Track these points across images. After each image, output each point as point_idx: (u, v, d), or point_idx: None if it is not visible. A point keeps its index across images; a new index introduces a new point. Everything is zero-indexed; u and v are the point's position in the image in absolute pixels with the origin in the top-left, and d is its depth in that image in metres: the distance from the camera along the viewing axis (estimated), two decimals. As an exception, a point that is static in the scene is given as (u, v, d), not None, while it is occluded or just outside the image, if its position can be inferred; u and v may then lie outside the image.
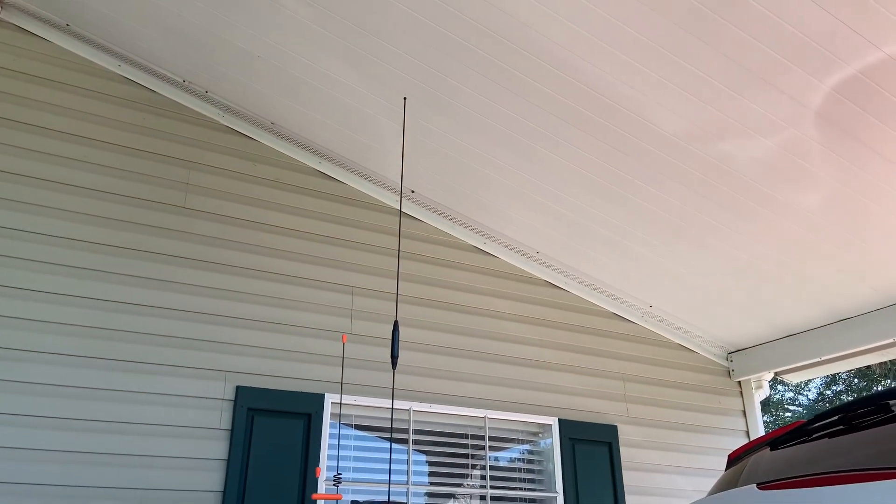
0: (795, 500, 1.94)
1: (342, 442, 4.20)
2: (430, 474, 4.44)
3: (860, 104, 3.32)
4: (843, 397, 17.32)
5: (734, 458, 2.79)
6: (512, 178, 4.43)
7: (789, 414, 17.63)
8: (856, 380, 17.01)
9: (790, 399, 18.39)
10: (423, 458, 4.47)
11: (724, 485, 2.55)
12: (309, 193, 4.66)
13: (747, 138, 3.64)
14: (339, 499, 1.45)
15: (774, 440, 2.44)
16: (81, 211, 3.95)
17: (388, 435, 4.35)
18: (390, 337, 4.45)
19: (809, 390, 18.58)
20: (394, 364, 1.52)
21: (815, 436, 2.23)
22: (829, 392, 17.98)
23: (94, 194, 4.02)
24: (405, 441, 4.38)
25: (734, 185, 3.98)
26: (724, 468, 5.04)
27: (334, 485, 1.47)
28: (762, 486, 2.14)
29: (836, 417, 2.19)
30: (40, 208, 3.86)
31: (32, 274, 3.72)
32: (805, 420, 2.38)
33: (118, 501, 3.49)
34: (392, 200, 4.89)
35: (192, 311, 4.02)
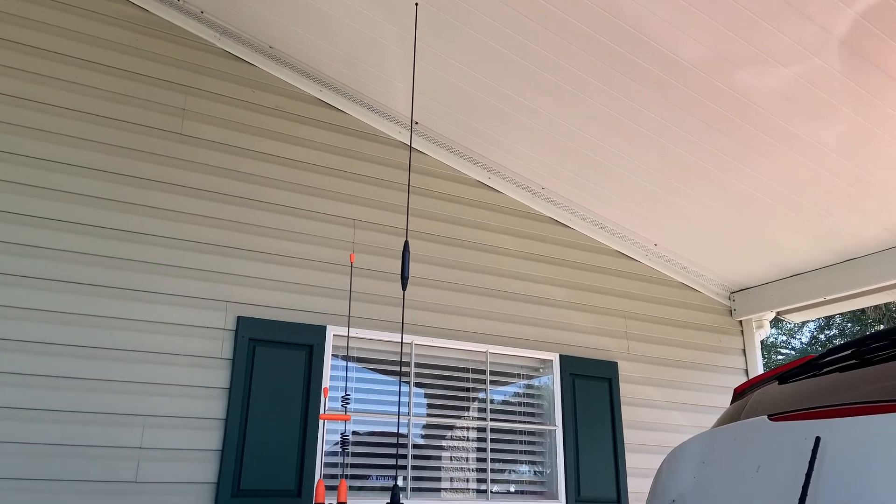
0: (807, 431, 1.91)
1: (343, 374, 4.21)
2: (431, 407, 4.47)
3: (887, 31, 3.17)
4: (837, 342, 17.57)
5: (740, 393, 2.78)
6: (520, 109, 4.30)
7: (781, 356, 17.89)
8: (849, 324, 17.20)
9: (783, 342, 18.64)
10: (425, 391, 4.49)
11: (728, 418, 2.54)
12: (310, 123, 4.53)
13: (768, 68, 3.50)
14: (348, 419, 1.40)
15: (783, 374, 2.41)
16: (73, 134, 3.83)
17: (388, 369, 4.35)
18: (395, 267, 4.42)
19: (803, 334, 18.82)
20: (404, 285, 1.45)
21: (825, 370, 2.20)
22: (822, 336, 18.22)
23: (87, 118, 3.89)
24: (407, 374, 4.38)
25: (750, 118, 3.86)
26: (722, 405, 5.09)
27: (342, 406, 1.43)
28: (773, 417, 2.12)
29: (848, 352, 2.15)
30: (30, 131, 3.74)
31: (27, 199, 3.63)
32: (815, 355, 2.35)
33: (122, 427, 3.50)
34: (395, 132, 4.76)
35: (192, 241, 3.95)
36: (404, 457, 4.25)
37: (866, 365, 2.09)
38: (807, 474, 1.77)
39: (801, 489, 1.73)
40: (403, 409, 4.33)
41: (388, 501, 1.29)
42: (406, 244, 1.49)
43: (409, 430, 4.30)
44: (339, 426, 4.06)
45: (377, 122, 4.72)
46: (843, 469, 1.77)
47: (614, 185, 4.80)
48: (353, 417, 4.13)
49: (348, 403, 1.40)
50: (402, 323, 1.45)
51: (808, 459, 1.78)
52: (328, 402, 3.94)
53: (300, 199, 4.34)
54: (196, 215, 4.01)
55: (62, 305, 3.56)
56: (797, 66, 3.46)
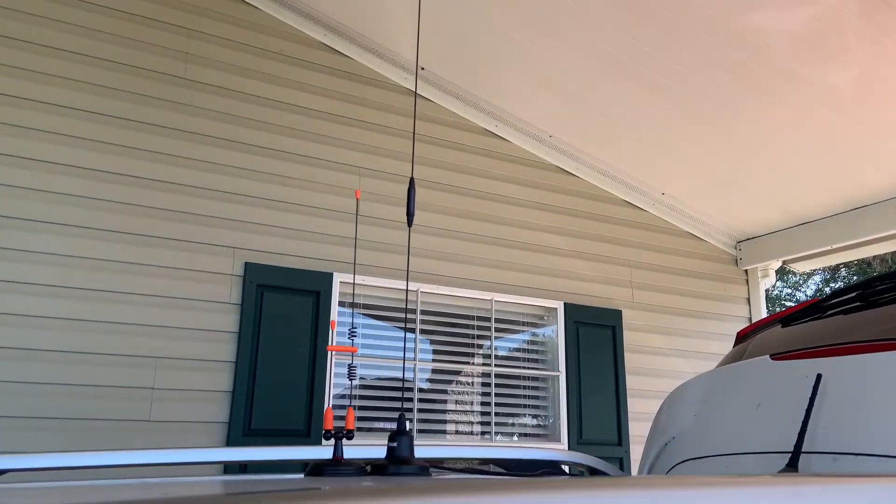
0: (809, 369, 1.93)
1: (348, 319, 4.26)
2: (437, 353, 4.53)
3: (907, -29, 3.08)
4: (842, 295, 17.54)
5: (742, 336, 2.80)
6: (528, 53, 4.22)
7: (783, 309, 17.91)
8: (855, 277, 17.20)
9: (788, 295, 18.70)
10: (430, 338, 4.55)
11: (729, 360, 2.57)
12: (314, 68, 4.47)
13: (782, 10, 3.42)
14: (355, 351, 1.43)
15: (787, 317, 2.43)
16: (77, 78, 3.80)
17: (393, 315, 4.40)
18: (401, 215, 4.42)
19: (808, 287, 18.85)
20: (409, 222, 1.46)
21: (829, 313, 2.22)
22: (827, 290, 18.24)
23: (89, 60, 3.85)
24: (413, 321, 4.43)
25: (762, 61, 3.79)
26: (725, 352, 5.13)
27: (349, 338, 1.45)
28: (775, 356, 2.15)
29: (853, 294, 2.16)
30: (33, 74, 3.70)
31: (31, 142, 3.63)
32: (819, 298, 2.36)
33: (136, 368, 3.58)
34: (400, 78, 4.70)
35: (198, 187, 3.96)
36: (410, 400, 4.33)
37: (871, 307, 2.10)
38: (807, 410, 1.79)
39: (800, 424, 1.75)
40: (409, 355, 4.40)
41: (396, 428, 1.32)
42: (412, 181, 1.48)
43: (414, 375, 4.37)
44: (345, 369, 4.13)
45: (383, 67, 4.66)
46: (843, 405, 1.80)
47: (623, 133, 4.75)
48: (359, 365, 4.20)
49: (355, 336, 1.43)
50: (408, 258, 1.46)
51: (809, 396, 1.81)
52: (336, 336, 4.00)
53: (306, 146, 4.32)
54: (202, 161, 4.00)
55: (74, 250, 3.59)
56: (810, 6, 3.38)
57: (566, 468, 2.17)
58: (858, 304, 2.13)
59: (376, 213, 4.41)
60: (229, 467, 3.19)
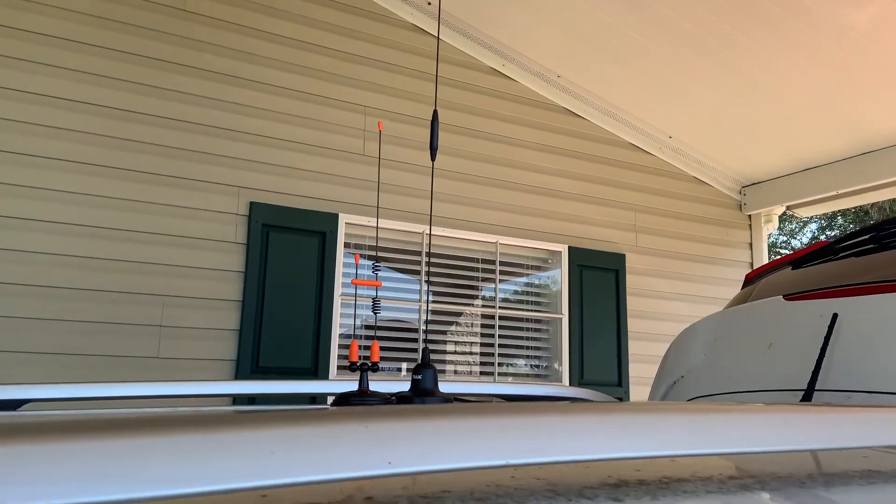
0: (824, 308, 1.94)
1: (352, 260, 4.26)
2: (443, 295, 4.55)
3: None
4: (838, 242, 17.63)
5: (751, 279, 2.81)
6: (538, -11, 4.10)
7: (779, 256, 18.03)
8: (851, 225, 17.25)
9: (783, 243, 18.78)
10: (436, 279, 4.56)
11: (738, 301, 2.59)
12: (319, 2, 4.34)
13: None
14: (379, 285, 1.42)
15: (797, 260, 2.44)
16: (78, 10, 3.67)
17: (400, 257, 4.40)
18: (407, 156, 4.37)
19: (804, 234, 18.93)
20: (433, 155, 1.43)
21: (841, 255, 2.22)
22: (823, 237, 18.32)
23: (88, -8, 3.72)
24: (418, 263, 4.44)
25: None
26: (726, 296, 5.17)
27: (373, 272, 1.44)
28: (788, 297, 2.16)
29: (866, 236, 2.16)
30: (33, 4, 3.58)
31: (34, 76, 3.54)
32: (830, 240, 2.35)
33: (142, 306, 3.59)
34: (406, 13, 4.57)
35: (202, 124, 3.89)
36: (415, 341, 4.37)
37: (884, 249, 2.10)
38: (821, 349, 1.81)
39: (815, 363, 1.77)
40: (416, 297, 4.42)
41: (419, 362, 1.33)
42: (435, 113, 1.45)
43: (419, 316, 4.41)
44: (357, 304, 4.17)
45: (387, 1, 4.52)
46: (856, 344, 1.81)
47: (631, 74, 4.66)
48: (365, 304, 4.22)
49: (379, 270, 1.42)
50: (431, 198, 1.44)
51: (824, 336, 1.82)
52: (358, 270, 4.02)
53: (311, 84, 4.23)
54: (207, 98, 3.92)
55: (79, 187, 3.55)
56: (836, -59, 3.27)
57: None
58: (871, 246, 2.13)
59: (382, 153, 4.36)
60: (237, 401, 3.25)
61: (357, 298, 4.21)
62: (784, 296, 2.19)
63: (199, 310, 3.72)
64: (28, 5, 3.58)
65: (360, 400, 1.31)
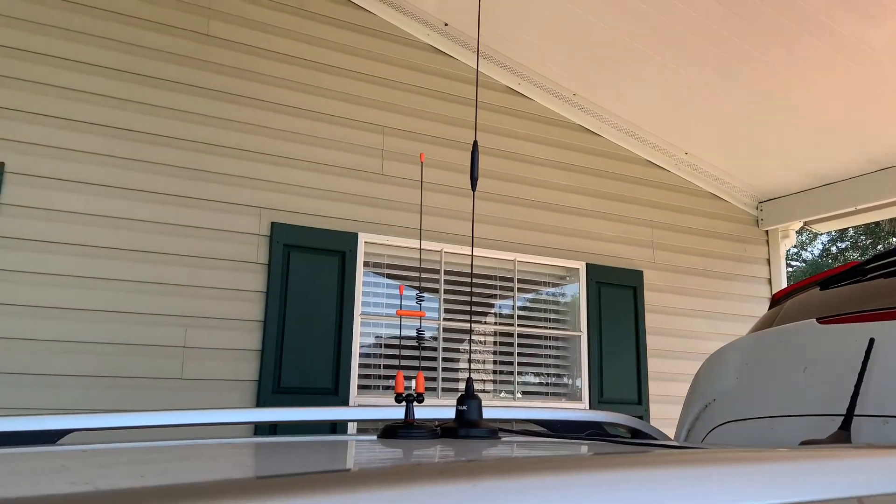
0: (860, 333, 1.94)
1: (372, 280, 4.27)
2: (459, 312, 4.55)
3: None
4: (850, 254, 17.56)
5: (778, 299, 2.80)
6: (550, 8, 4.13)
7: (790, 269, 17.99)
8: (862, 237, 17.16)
9: (794, 254, 18.70)
10: (453, 297, 4.56)
11: (764, 323, 2.58)
12: (336, 24, 4.38)
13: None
14: (423, 315, 1.43)
15: (826, 280, 2.43)
16: (101, 34, 3.73)
17: (414, 275, 4.41)
18: (425, 175, 4.38)
19: (814, 246, 18.84)
20: (473, 185, 1.44)
21: (870, 276, 2.21)
22: (833, 248, 18.23)
23: (113, 17, 3.77)
24: (436, 281, 4.45)
25: (793, 16, 3.70)
26: (744, 313, 5.15)
27: (417, 303, 1.45)
28: (822, 320, 2.15)
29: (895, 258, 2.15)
30: (56, 30, 3.64)
31: (55, 100, 3.58)
32: (859, 261, 2.35)
33: (164, 327, 3.61)
34: (423, 34, 4.61)
35: (224, 146, 3.92)
36: (434, 359, 4.37)
37: (915, 271, 2.09)
38: (859, 373, 1.80)
39: (853, 388, 1.76)
40: (434, 315, 4.42)
41: (464, 392, 1.33)
42: (475, 143, 1.46)
43: (439, 334, 4.41)
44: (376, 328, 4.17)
45: (404, 22, 4.56)
46: (893, 369, 1.80)
47: (647, 91, 4.68)
48: (384, 323, 4.23)
49: (422, 300, 1.43)
50: (472, 223, 1.45)
51: (862, 360, 1.81)
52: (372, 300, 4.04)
53: (330, 105, 4.27)
54: (227, 120, 3.96)
55: (103, 209, 3.58)
56: (856, -39, 3.28)
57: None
58: (901, 267, 2.12)
59: (398, 173, 4.38)
60: (258, 429, 3.25)
61: (377, 320, 4.22)
62: (818, 319, 2.19)
63: (221, 330, 3.73)
64: (55, 31, 3.63)
65: (405, 432, 1.31)
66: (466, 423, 1.37)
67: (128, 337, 3.52)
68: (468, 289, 4.58)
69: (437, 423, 1.40)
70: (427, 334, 4.41)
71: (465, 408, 1.39)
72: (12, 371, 3.27)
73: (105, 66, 3.71)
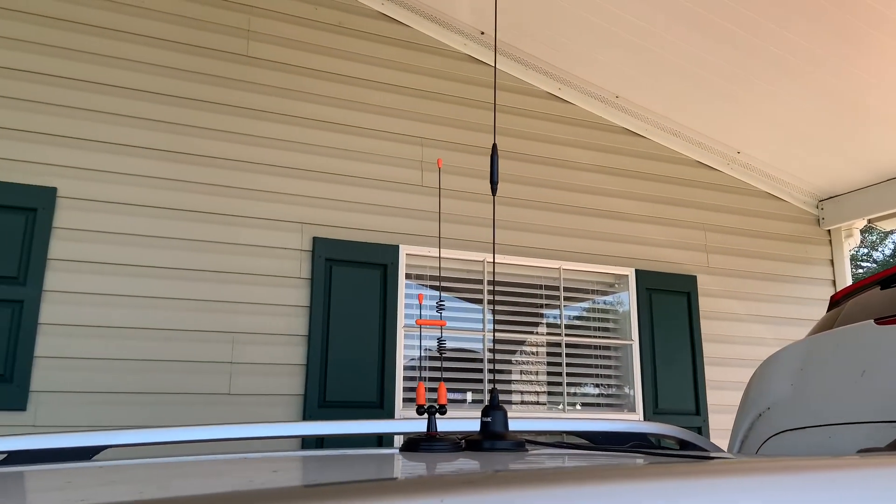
0: (923, 334, 1.80)
1: (415, 292, 4.25)
2: (505, 323, 4.48)
3: None
4: (924, 253, 16.64)
5: (837, 300, 2.65)
6: (589, 9, 4.05)
7: (862, 270, 17.17)
8: (939, 235, 16.22)
9: (864, 255, 17.85)
10: (499, 308, 4.50)
11: (823, 325, 2.44)
12: (373, 39, 4.42)
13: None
14: (443, 325, 1.38)
15: (886, 279, 2.28)
16: (144, 60, 3.85)
17: (459, 286, 4.37)
18: (464, 185, 4.36)
19: (885, 246, 17.94)
20: (493, 190, 1.40)
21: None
22: (907, 247, 17.30)
23: (153, 42, 3.89)
24: (480, 291, 4.40)
25: (846, 6, 3.52)
26: (807, 317, 4.91)
27: (437, 311, 1.41)
28: (880, 321, 2.01)
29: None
30: (100, 58, 3.78)
31: (101, 125, 3.71)
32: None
33: (214, 343, 3.67)
34: (460, 44, 4.60)
35: (264, 164, 3.99)
36: (479, 371, 4.31)
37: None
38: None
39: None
40: (478, 326, 4.37)
41: (488, 403, 1.28)
42: (494, 147, 1.42)
43: (483, 346, 4.35)
44: (415, 340, 4.14)
45: (441, 34, 4.56)
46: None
47: (694, 89, 4.54)
48: (428, 335, 4.20)
49: (443, 309, 1.39)
50: (493, 229, 1.40)
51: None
52: (420, 309, 4.02)
53: (368, 119, 4.29)
54: (266, 138, 4.02)
55: (150, 229, 3.68)
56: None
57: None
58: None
59: (441, 184, 4.36)
60: (305, 442, 3.26)
61: (420, 333, 4.19)
62: (875, 320, 2.05)
63: (267, 346, 3.77)
64: (100, 59, 3.77)
65: (428, 445, 1.27)
66: (492, 436, 1.32)
67: (177, 354, 3.60)
68: (514, 299, 4.51)
69: (462, 436, 1.36)
70: (474, 346, 4.35)
71: (489, 419, 1.34)
72: (59, 389, 3.38)
73: (150, 91, 3.83)
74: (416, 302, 4.19)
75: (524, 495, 0.54)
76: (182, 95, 3.89)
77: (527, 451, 1.31)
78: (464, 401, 4.29)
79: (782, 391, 2.25)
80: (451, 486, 0.51)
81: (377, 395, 3.91)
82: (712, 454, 1.56)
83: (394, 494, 0.52)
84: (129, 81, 3.80)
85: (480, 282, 4.40)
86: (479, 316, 4.40)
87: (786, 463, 0.80)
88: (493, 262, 1.48)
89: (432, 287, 4.33)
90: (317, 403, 3.77)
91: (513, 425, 1.89)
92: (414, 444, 1.28)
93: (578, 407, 4.53)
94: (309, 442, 3.50)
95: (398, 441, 3.65)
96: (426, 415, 1.33)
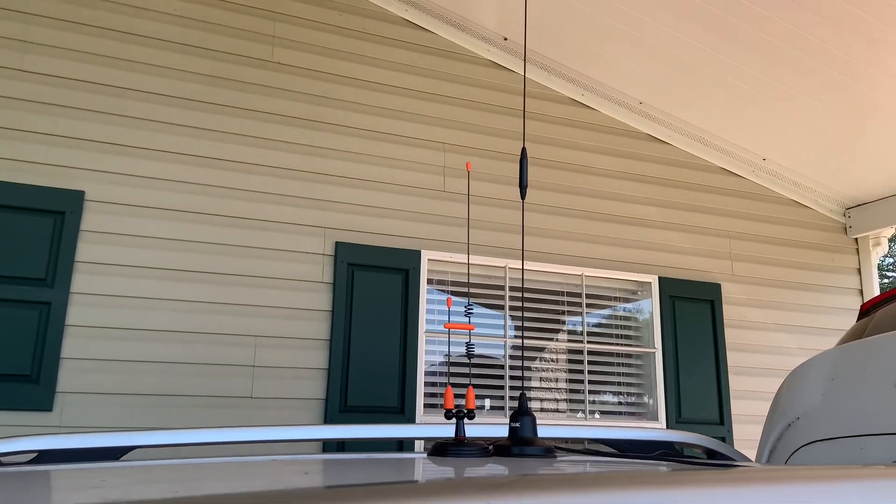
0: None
1: (437, 297, 4.25)
2: (528, 329, 4.46)
3: None
4: (952, 263, 16.31)
5: (866, 310, 2.60)
6: (612, 15, 4.04)
7: (887, 280, 16.87)
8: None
9: (889, 265, 17.55)
10: (520, 314, 4.48)
11: (852, 335, 2.39)
12: (396, 45, 4.43)
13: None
14: (472, 328, 1.38)
15: (920, 288, 2.23)
16: (170, 66, 3.90)
17: (481, 292, 4.36)
18: (486, 190, 4.35)
19: (911, 256, 17.62)
20: (523, 193, 1.39)
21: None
22: (934, 257, 16.97)
23: (178, 48, 3.94)
24: (501, 297, 4.38)
25: (873, 10, 3.47)
26: (834, 326, 4.83)
27: (465, 315, 1.41)
28: (916, 330, 1.96)
29: None
30: (124, 63, 3.83)
31: (123, 129, 3.76)
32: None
33: (237, 347, 3.69)
34: (482, 50, 4.60)
35: (287, 168, 4.01)
36: (501, 377, 4.29)
37: None
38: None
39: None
40: (500, 332, 4.35)
41: (517, 409, 1.27)
42: (524, 150, 1.41)
43: (504, 352, 4.33)
44: (442, 347, 4.14)
45: (464, 40, 4.57)
46: None
47: (718, 94, 4.50)
48: (449, 341, 4.19)
49: (471, 314, 1.38)
50: (523, 234, 1.40)
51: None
52: (442, 314, 4.02)
53: (390, 124, 4.30)
54: (290, 143, 4.05)
55: (174, 233, 3.71)
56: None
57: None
58: None
59: (460, 189, 4.36)
60: (326, 445, 3.26)
61: (442, 338, 4.19)
62: (911, 329, 2.01)
63: (289, 350, 3.79)
64: (127, 64, 3.82)
65: (456, 450, 1.26)
66: (520, 441, 1.31)
67: (201, 357, 3.62)
68: (536, 305, 4.49)
69: (489, 441, 1.34)
70: (495, 353, 4.34)
71: (518, 424, 1.32)
72: (84, 391, 3.42)
73: (176, 97, 3.88)
74: (437, 307, 4.19)
75: (570, 499, 0.53)
76: (208, 101, 3.93)
77: (556, 457, 1.29)
78: (482, 407, 4.26)
79: (813, 401, 2.21)
80: (494, 488, 0.50)
81: (398, 401, 3.90)
82: (750, 465, 1.53)
83: (438, 497, 0.51)
84: (156, 87, 3.85)
85: (502, 287, 4.39)
86: (501, 322, 4.39)
87: (825, 472, 0.79)
88: (522, 269, 1.47)
89: (454, 293, 4.32)
90: (338, 408, 3.77)
91: (539, 432, 1.88)
92: (443, 449, 1.27)
93: (597, 416, 4.49)
94: (330, 446, 3.50)
95: (418, 446, 3.64)
96: (454, 419, 1.32)
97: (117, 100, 3.76)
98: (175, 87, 3.89)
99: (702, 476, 0.73)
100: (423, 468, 1.09)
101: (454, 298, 4.32)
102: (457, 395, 1.37)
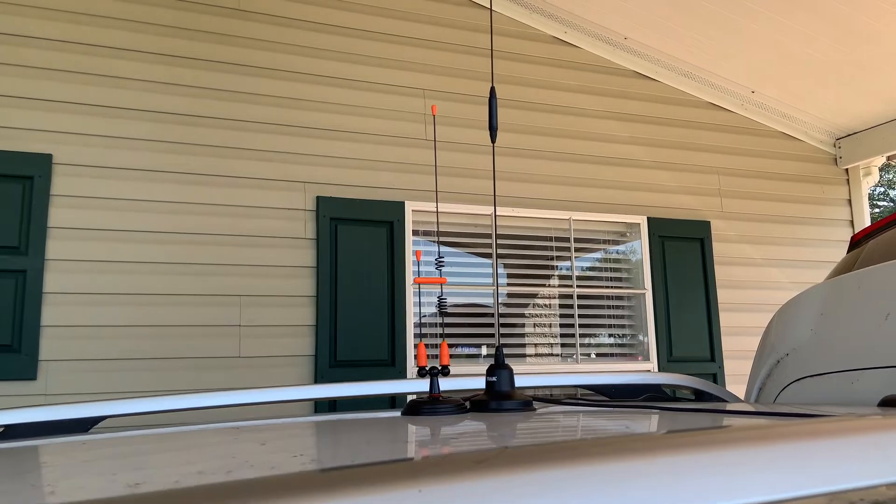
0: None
1: (423, 248, 4.18)
2: (516, 276, 4.42)
3: None
4: (943, 190, 16.32)
5: (856, 241, 2.55)
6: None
7: (878, 210, 16.88)
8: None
9: (881, 194, 17.54)
10: (508, 261, 4.43)
11: (843, 268, 2.34)
12: (369, -14, 4.24)
13: None
14: (444, 282, 1.31)
15: (912, 217, 2.17)
16: (135, 18, 3.72)
17: (469, 241, 4.29)
18: (470, 137, 4.24)
19: (901, 183, 17.60)
20: (493, 137, 1.30)
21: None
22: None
23: (143, 0, 3.76)
24: (489, 245, 4.32)
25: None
26: (825, 259, 4.80)
27: (437, 269, 1.34)
28: (909, 260, 1.91)
29: None
30: (84, 17, 3.65)
31: (90, 88, 3.61)
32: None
33: (222, 307, 3.64)
34: (460, -11, 4.42)
35: (261, 122, 3.88)
36: (491, 325, 4.27)
37: None
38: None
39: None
40: (489, 280, 4.31)
41: (493, 363, 1.21)
42: (492, 90, 1.32)
43: (495, 300, 4.29)
44: (431, 295, 4.10)
45: (441, -21, 4.38)
46: None
47: (705, 26, 4.34)
48: (437, 292, 4.14)
49: (442, 266, 1.32)
50: (494, 178, 1.32)
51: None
52: (419, 266, 3.96)
53: (367, 72, 4.15)
54: (264, 95, 3.91)
55: (151, 194, 3.61)
56: None
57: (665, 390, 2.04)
58: None
59: (444, 136, 4.25)
60: (318, 405, 3.23)
61: (423, 295, 4.14)
62: (904, 259, 1.95)
63: (275, 308, 3.74)
64: (97, 20, 3.64)
65: (430, 408, 1.21)
66: (497, 396, 1.26)
67: (185, 318, 3.57)
68: (524, 252, 4.44)
69: (465, 396, 1.30)
70: (485, 301, 4.30)
71: (494, 378, 1.28)
72: (68, 358, 3.37)
73: (143, 51, 3.72)
74: (425, 258, 4.12)
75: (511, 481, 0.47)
76: (175, 54, 3.77)
77: (534, 409, 1.25)
78: (479, 355, 4.25)
79: (802, 336, 2.18)
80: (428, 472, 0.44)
81: (388, 353, 3.88)
82: (730, 404, 1.49)
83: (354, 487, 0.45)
84: (121, 41, 3.68)
85: (489, 236, 4.32)
86: (489, 270, 4.34)
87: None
88: (494, 215, 1.39)
89: (443, 243, 4.26)
90: (328, 363, 3.75)
91: (522, 381, 1.84)
92: (416, 408, 1.22)
93: (593, 356, 4.49)
94: (322, 404, 3.49)
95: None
96: (428, 377, 1.27)
97: (82, 57, 3.60)
98: (140, 40, 3.72)
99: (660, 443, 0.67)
100: (391, 431, 1.04)
101: (437, 250, 4.26)
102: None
